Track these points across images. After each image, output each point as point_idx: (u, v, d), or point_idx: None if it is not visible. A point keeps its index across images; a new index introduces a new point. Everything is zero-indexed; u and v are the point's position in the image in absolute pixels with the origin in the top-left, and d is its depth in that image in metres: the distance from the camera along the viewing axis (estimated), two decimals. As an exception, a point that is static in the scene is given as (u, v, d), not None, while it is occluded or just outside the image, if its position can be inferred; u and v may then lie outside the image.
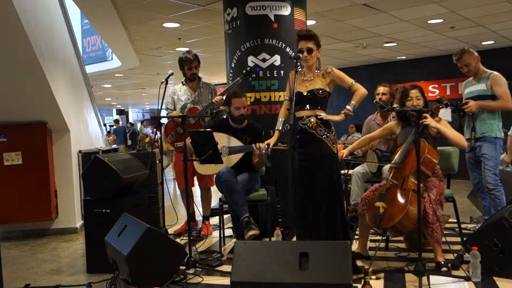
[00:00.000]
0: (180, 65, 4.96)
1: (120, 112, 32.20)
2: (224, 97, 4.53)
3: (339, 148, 3.83)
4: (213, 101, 4.66)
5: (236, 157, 4.21)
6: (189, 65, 4.88)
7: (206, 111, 4.66)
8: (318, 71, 3.67)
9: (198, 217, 5.29)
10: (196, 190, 5.28)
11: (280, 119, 3.91)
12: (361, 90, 3.62)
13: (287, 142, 3.93)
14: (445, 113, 5.47)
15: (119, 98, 22.40)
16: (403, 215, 3.31)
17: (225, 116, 4.69)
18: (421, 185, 3.37)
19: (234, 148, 4.22)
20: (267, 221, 4.30)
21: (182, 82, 5.02)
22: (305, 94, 3.64)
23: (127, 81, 14.45)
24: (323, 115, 3.58)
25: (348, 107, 3.61)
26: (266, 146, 3.89)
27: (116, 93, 19.29)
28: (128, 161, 4.28)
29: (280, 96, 4.83)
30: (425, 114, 3.55)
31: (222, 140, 4.22)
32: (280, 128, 3.90)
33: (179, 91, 4.98)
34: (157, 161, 4.99)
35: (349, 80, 3.66)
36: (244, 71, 4.60)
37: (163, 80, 4.54)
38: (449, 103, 3.97)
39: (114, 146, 7.67)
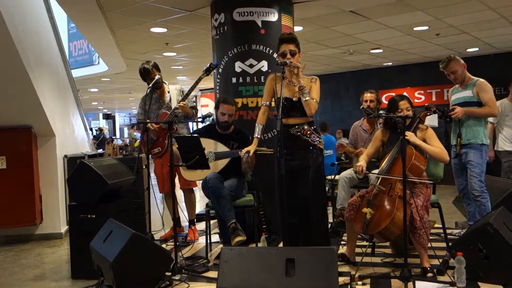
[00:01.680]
0: (142, 78, 4.92)
1: (107, 116, 32.04)
2: (186, 102, 4.61)
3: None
4: (175, 108, 4.63)
5: (222, 163, 4.21)
6: (150, 76, 4.82)
7: (172, 118, 4.62)
8: (298, 73, 3.65)
9: (184, 222, 5.25)
10: (180, 194, 5.24)
11: (259, 125, 3.94)
12: (312, 106, 3.62)
13: (273, 147, 3.96)
14: (432, 118, 5.52)
15: (106, 103, 22.28)
16: (389, 221, 3.33)
17: (211, 119, 4.69)
18: (408, 191, 3.38)
19: (220, 154, 4.22)
20: (254, 227, 4.30)
21: (148, 91, 4.84)
22: (295, 100, 3.66)
23: (114, 86, 14.36)
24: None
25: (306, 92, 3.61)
26: (246, 154, 3.89)
27: (103, 98, 19.18)
28: (114, 166, 4.25)
29: None
30: (407, 132, 3.57)
31: (209, 145, 4.22)
32: (258, 135, 3.92)
33: (148, 100, 4.87)
34: (144, 166, 4.96)
35: (316, 96, 3.67)
36: (204, 68, 4.54)
37: (149, 85, 4.51)
38: (436, 110, 4.02)
39: (100, 151, 7.59)
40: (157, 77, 4.69)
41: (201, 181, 4.17)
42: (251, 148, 3.91)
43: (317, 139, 3.72)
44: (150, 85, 4.52)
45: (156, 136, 4.87)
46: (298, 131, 3.71)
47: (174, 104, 4.78)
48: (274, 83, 3.78)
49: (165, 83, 5.00)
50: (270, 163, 4.11)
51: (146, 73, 4.82)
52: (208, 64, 4.49)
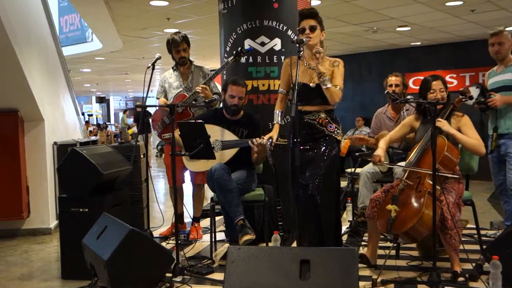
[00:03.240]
0: (168, 49, 4.98)
1: (100, 100, 32.20)
2: (210, 85, 4.67)
3: (345, 144, 3.89)
4: (196, 90, 4.67)
5: (230, 153, 4.20)
6: (176, 48, 4.89)
7: (190, 102, 4.68)
8: (319, 59, 3.66)
9: (187, 218, 5.28)
10: (186, 188, 5.25)
11: (278, 111, 4.01)
12: (336, 95, 3.62)
13: (287, 137, 3.93)
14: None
15: (100, 84, 22.37)
16: (417, 219, 3.32)
17: (219, 106, 4.67)
18: (438, 187, 3.36)
19: (228, 143, 4.22)
20: (264, 224, 4.30)
21: (172, 67, 5.03)
22: (313, 86, 3.68)
23: (109, 65, 14.40)
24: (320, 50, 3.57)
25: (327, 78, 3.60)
26: (269, 140, 3.90)
27: (96, 79, 19.25)
28: (109, 155, 4.26)
29: (280, 85, 4.78)
30: (439, 120, 3.57)
31: (215, 133, 4.21)
32: (279, 121, 3.99)
33: (170, 78, 4.99)
34: (142, 155, 4.96)
35: (339, 82, 3.68)
36: (234, 52, 4.59)
37: (150, 65, 4.52)
38: (473, 96, 3.98)
39: (93, 138, 7.63)
40: (157, 55, 4.67)
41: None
42: (274, 134, 3.95)
43: (334, 129, 3.74)
44: (150, 64, 4.50)
45: (169, 119, 4.87)
46: (313, 119, 3.72)
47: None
48: (290, 68, 3.78)
49: (192, 61, 5.05)
50: (282, 155, 4.11)
51: (173, 44, 4.89)
52: (239, 48, 4.56)
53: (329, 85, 3.58)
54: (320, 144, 3.71)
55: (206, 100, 4.41)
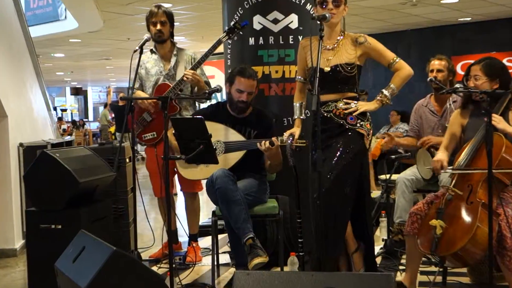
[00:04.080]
0: (146, 25, 4.97)
1: (76, 91, 32.40)
2: (198, 71, 4.68)
3: (377, 145, 3.91)
4: (184, 78, 4.67)
5: (235, 156, 4.22)
6: (153, 19, 4.85)
7: (176, 88, 4.68)
8: (341, 37, 3.74)
9: (183, 237, 5.27)
10: (178, 199, 5.25)
11: (297, 104, 4.06)
12: (404, 71, 3.76)
13: (306, 138, 3.97)
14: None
15: (75, 73, 22.49)
16: (469, 238, 3.28)
17: (221, 99, 4.70)
18: (495, 199, 3.33)
19: (233, 144, 4.22)
20: (279, 244, 4.29)
21: (151, 49, 5.04)
22: (327, 71, 3.72)
23: (86, 49, 14.46)
24: (352, 105, 3.70)
25: (385, 91, 3.76)
26: (290, 137, 3.91)
27: (71, 66, 19.35)
28: (87, 159, 4.26)
29: (297, 72, 4.77)
30: (494, 115, 3.52)
31: (217, 132, 4.22)
32: (300, 115, 4.03)
33: (147, 63, 4.98)
34: (127, 160, 4.96)
35: (390, 55, 3.78)
36: (227, 27, 4.58)
37: (137, 48, 4.53)
38: None
39: (68, 138, 7.66)
40: (146, 36, 4.68)
41: (205, 181, 4.18)
42: (295, 130, 3.95)
43: (357, 121, 3.73)
44: (138, 46, 4.51)
45: (151, 116, 4.89)
46: (329, 110, 3.76)
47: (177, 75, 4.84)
48: (310, 49, 3.72)
49: (174, 43, 5.05)
50: (300, 159, 4.09)
51: (150, 16, 4.87)
52: (232, 23, 4.58)
53: (393, 86, 3.77)
54: (340, 142, 3.72)
55: (207, 91, 4.38)
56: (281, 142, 4.00)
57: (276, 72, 4.81)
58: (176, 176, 4.88)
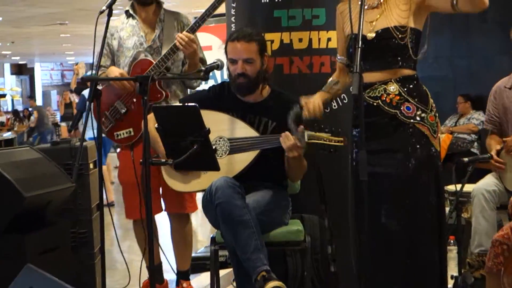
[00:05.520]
0: None
1: (18, 69, 32.48)
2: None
3: (443, 142, 3.90)
4: (173, 46, 4.65)
5: (244, 159, 4.21)
6: None
7: (161, 66, 4.67)
8: None
9: (169, 273, 5.28)
10: (161, 221, 5.35)
11: (331, 79, 4.09)
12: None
13: (344, 134, 3.95)
14: None
15: (17, 43, 22.55)
16: None
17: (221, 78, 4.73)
18: None
19: (241, 142, 4.21)
20: (305, 282, 4.31)
21: (127, 12, 5.03)
22: (371, 38, 3.70)
23: (32, 10, 14.48)
24: None
25: None
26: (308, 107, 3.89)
27: (11, 34, 19.41)
28: (35, 164, 4.27)
29: (330, 40, 4.78)
30: None
31: (220, 124, 4.22)
32: (327, 91, 4.07)
33: (121, 31, 4.97)
34: (91, 165, 4.98)
35: None
36: None
37: (104, 8, 4.46)
38: None
39: (7, 134, 7.69)
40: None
41: (201, 195, 4.19)
42: (317, 98, 3.97)
43: (415, 111, 3.69)
44: (105, 6, 4.46)
45: (126, 106, 4.89)
46: (375, 96, 3.72)
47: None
48: (349, 13, 3.61)
49: (161, 3, 5.05)
50: (335, 163, 4.17)
51: None
52: None
53: None
54: (392, 142, 3.70)
55: (203, 68, 4.36)
56: (312, 137, 3.95)
57: (300, 40, 4.79)
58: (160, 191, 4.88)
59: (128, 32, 4.94)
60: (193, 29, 4.71)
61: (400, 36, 3.63)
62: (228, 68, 4.36)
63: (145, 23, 4.97)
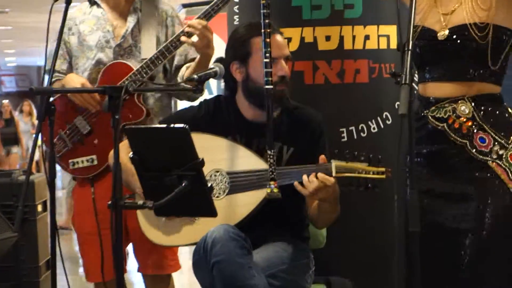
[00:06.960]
0: None
1: None
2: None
3: None
4: (178, 37, 4.21)
5: (250, 201, 3.75)
6: None
7: (145, 72, 4.20)
8: None
9: None
10: (135, 282, 5.07)
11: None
12: None
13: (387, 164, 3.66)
14: None
15: None
16: None
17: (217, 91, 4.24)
18: None
19: (244, 177, 3.77)
20: None
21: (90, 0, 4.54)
22: (443, 37, 3.32)
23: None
24: None
25: None
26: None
27: None
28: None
29: (368, 38, 4.45)
30: None
31: (216, 153, 3.81)
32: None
33: (82, 23, 4.46)
34: (40, 207, 4.49)
35: None
36: None
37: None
38: None
39: None
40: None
41: (190, 250, 4.08)
42: None
43: (492, 147, 3.26)
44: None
45: (90, 125, 4.39)
46: (440, 116, 3.31)
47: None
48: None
49: None
50: (375, 204, 4.11)
51: None
52: None
53: None
54: (460, 183, 3.27)
55: (195, 76, 3.70)
56: (342, 169, 3.59)
57: (328, 39, 4.41)
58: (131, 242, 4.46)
59: (91, 25, 4.48)
60: (209, 15, 4.23)
61: (479, 35, 3.19)
62: (248, 73, 3.89)
63: (114, 13, 4.48)
